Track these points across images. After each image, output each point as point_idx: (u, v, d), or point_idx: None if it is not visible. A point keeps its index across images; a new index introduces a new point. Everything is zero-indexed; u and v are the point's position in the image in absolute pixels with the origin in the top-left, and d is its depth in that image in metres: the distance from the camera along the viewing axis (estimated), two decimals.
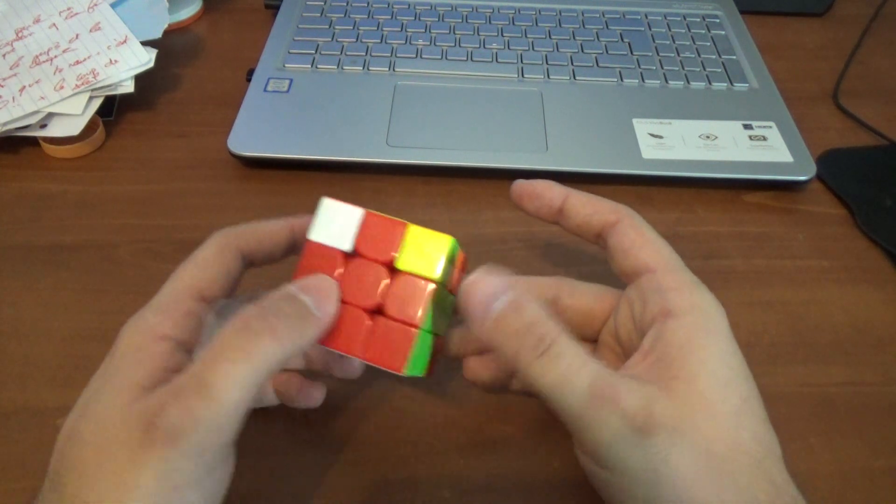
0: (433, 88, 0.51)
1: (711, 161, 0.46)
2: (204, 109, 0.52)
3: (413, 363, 0.26)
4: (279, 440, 0.33)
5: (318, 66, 0.52)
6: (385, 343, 0.26)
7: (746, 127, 0.48)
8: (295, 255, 0.29)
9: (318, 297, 0.25)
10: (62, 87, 0.47)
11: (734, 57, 0.55)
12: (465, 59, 0.53)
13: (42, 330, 0.37)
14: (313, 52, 0.53)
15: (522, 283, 0.31)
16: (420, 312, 0.26)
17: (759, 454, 0.23)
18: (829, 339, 0.38)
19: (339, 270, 0.26)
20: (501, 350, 0.25)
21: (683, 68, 0.53)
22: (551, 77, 0.52)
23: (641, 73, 0.52)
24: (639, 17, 0.58)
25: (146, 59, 0.49)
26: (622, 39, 0.56)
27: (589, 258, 0.41)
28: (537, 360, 0.24)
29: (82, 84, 0.47)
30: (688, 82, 0.52)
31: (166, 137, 0.49)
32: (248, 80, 0.51)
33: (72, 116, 0.47)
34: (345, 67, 0.52)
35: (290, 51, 0.53)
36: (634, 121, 0.48)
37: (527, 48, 0.55)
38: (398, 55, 0.54)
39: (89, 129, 0.47)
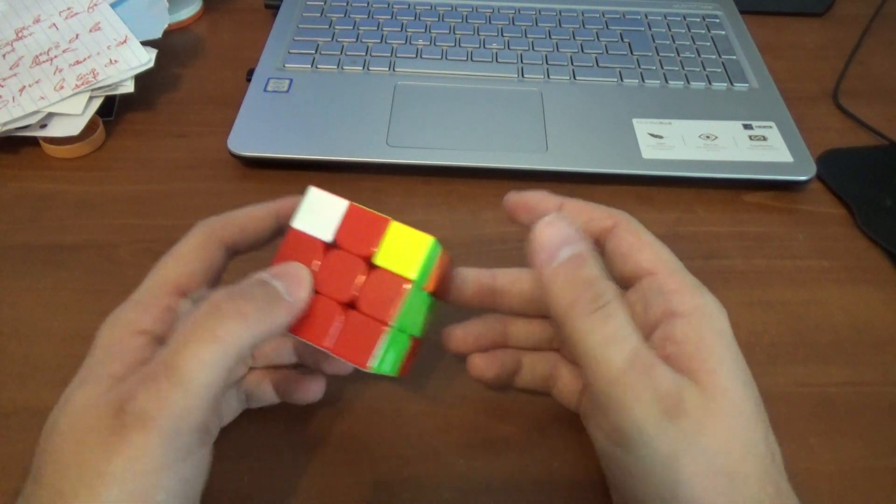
0: (433, 88, 0.51)
1: (711, 161, 0.46)
2: (204, 109, 0.52)
3: (381, 360, 0.26)
4: (279, 440, 0.33)
5: (318, 66, 0.52)
6: (353, 337, 0.25)
7: (746, 127, 0.48)
8: (281, 237, 0.28)
9: (290, 282, 0.25)
10: (62, 87, 0.47)
11: (734, 57, 0.55)
12: (465, 59, 0.53)
13: (42, 330, 0.37)
14: (313, 52, 0.53)
15: (593, 211, 0.29)
16: (392, 310, 0.25)
17: (768, 459, 0.23)
18: (829, 339, 0.38)
19: (318, 261, 0.26)
20: (556, 297, 0.25)
21: (683, 68, 0.53)
22: (551, 77, 0.52)
23: (641, 73, 0.52)
24: (639, 17, 0.58)
25: (146, 59, 0.49)
26: (622, 39, 0.56)
27: None
28: (591, 316, 0.24)
29: (82, 84, 0.47)
30: (688, 82, 0.52)
31: (166, 137, 0.49)
32: (248, 80, 0.51)
33: (72, 116, 0.47)
34: (345, 67, 0.52)
35: (290, 51, 0.53)
36: (634, 121, 0.48)
37: (527, 48, 0.55)
38: (398, 55, 0.54)
39: (89, 129, 0.47)
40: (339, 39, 0.55)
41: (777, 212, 0.45)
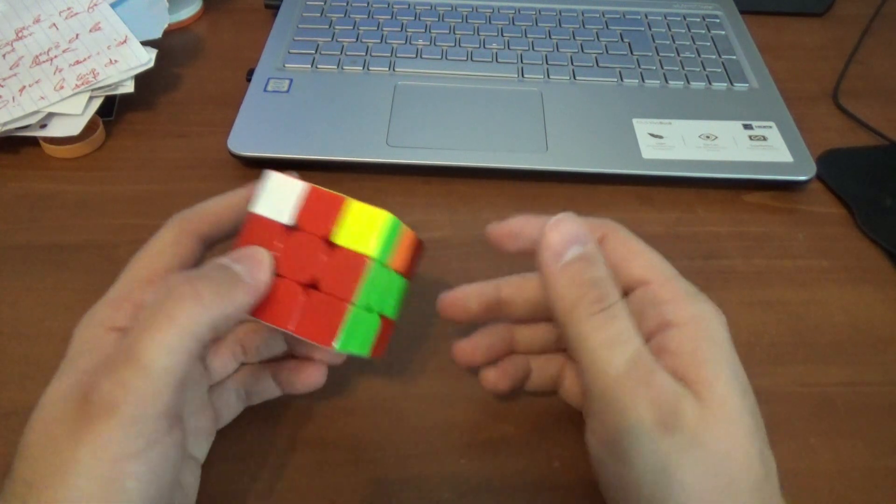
0: (433, 88, 0.51)
1: (711, 161, 0.46)
2: (204, 109, 0.52)
3: (347, 340, 0.26)
4: (279, 440, 0.33)
5: (318, 66, 0.52)
6: (317, 317, 0.25)
7: (746, 127, 0.48)
8: None
9: (250, 265, 0.25)
10: (62, 87, 0.47)
11: (734, 57, 0.55)
12: (465, 59, 0.53)
13: (42, 330, 0.37)
14: (313, 52, 0.53)
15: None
16: (353, 287, 0.25)
17: (762, 475, 0.23)
18: (829, 339, 0.38)
19: (279, 244, 0.26)
20: (560, 296, 0.25)
21: (683, 68, 0.53)
22: (551, 77, 0.52)
23: (641, 73, 0.52)
24: (639, 17, 0.58)
25: (146, 59, 0.49)
26: (622, 39, 0.56)
27: None
28: (593, 317, 0.24)
29: (82, 84, 0.47)
30: (688, 82, 0.52)
31: (166, 137, 0.49)
32: (248, 80, 0.51)
33: (72, 116, 0.47)
34: (345, 67, 0.52)
35: (290, 51, 0.53)
36: (634, 121, 0.48)
37: (527, 48, 0.55)
38: (398, 55, 0.54)
39: (89, 129, 0.47)
40: (339, 39, 0.55)
41: (777, 212, 0.45)
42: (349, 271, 0.25)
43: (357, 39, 0.55)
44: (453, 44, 0.55)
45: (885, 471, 0.32)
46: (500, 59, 0.53)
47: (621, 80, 0.52)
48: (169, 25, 0.52)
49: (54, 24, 0.51)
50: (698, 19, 0.59)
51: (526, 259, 0.42)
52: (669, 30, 0.57)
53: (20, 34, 0.51)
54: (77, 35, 0.50)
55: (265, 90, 0.50)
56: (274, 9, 0.59)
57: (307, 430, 0.33)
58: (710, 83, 0.52)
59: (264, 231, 0.26)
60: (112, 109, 0.50)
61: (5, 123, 0.46)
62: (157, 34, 0.51)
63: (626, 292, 0.27)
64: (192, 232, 0.28)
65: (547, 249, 0.26)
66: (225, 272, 0.24)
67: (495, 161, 0.45)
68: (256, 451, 0.32)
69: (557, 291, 0.25)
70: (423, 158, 0.45)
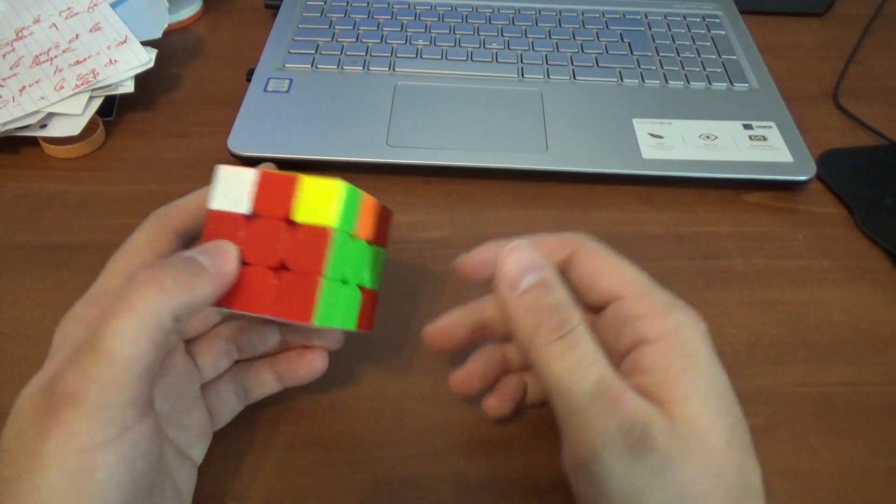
0: (433, 88, 0.51)
1: (711, 161, 0.46)
2: (204, 109, 0.52)
3: (325, 313, 0.26)
4: (279, 440, 0.33)
5: (318, 66, 0.52)
6: (291, 296, 0.25)
7: (746, 127, 0.48)
8: None
9: (214, 255, 0.25)
10: (62, 87, 0.47)
11: (734, 57, 0.55)
12: (465, 59, 0.53)
13: (42, 330, 0.37)
14: (313, 52, 0.53)
15: (547, 244, 0.28)
16: (320, 259, 0.25)
17: (740, 490, 0.23)
18: (829, 339, 0.38)
19: (242, 234, 0.26)
20: (519, 325, 0.25)
21: (683, 68, 0.53)
22: (551, 77, 0.52)
23: (641, 73, 0.53)
24: (639, 17, 0.58)
25: (146, 59, 0.49)
26: (622, 39, 0.56)
27: None
28: (554, 343, 0.24)
29: (82, 84, 0.47)
30: (688, 82, 0.52)
31: (166, 137, 0.49)
32: (248, 80, 0.51)
33: (72, 116, 0.47)
34: (345, 67, 0.52)
35: (290, 51, 0.53)
36: (634, 121, 0.48)
37: (527, 48, 0.55)
38: (398, 55, 0.54)
39: (89, 129, 0.47)
40: (339, 39, 0.55)
41: (777, 212, 0.45)
42: (313, 245, 0.26)
43: (357, 39, 0.55)
44: (453, 44, 0.55)
45: (885, 471, 0.32)
46: (500, 59, 0.53)
47: (621, 80, 0.52)
48: (169, 25, 0.52)
49: (54, 24, 0.51)
50: (698, 19, 0.59)
51: None
52: (669, 30, 0.57)
53: (20, 34, 0.51)
54: (77, 35, 0.50)
55: (265, 90, 0.50)
56: (274, 9, 0.59)
57: (307, 430, 0.33)
58: (710, 83, 0.52)
59: (226, 225, 0.26)
60: (112, 109, 0.50)
61: (5, 123, 0.46)
62: (157, 34, 0.51)
63: (600, 308, 0.27)
64: (169, 228, 0.28)
65: (503, 279, 0.25)
66: (188, 262, 0.24)
67: (495, 161, 0.45)
68: (256, 451, 0.32)
69: (516, 321, 0.25)
70: (423, 158, 0.46)
